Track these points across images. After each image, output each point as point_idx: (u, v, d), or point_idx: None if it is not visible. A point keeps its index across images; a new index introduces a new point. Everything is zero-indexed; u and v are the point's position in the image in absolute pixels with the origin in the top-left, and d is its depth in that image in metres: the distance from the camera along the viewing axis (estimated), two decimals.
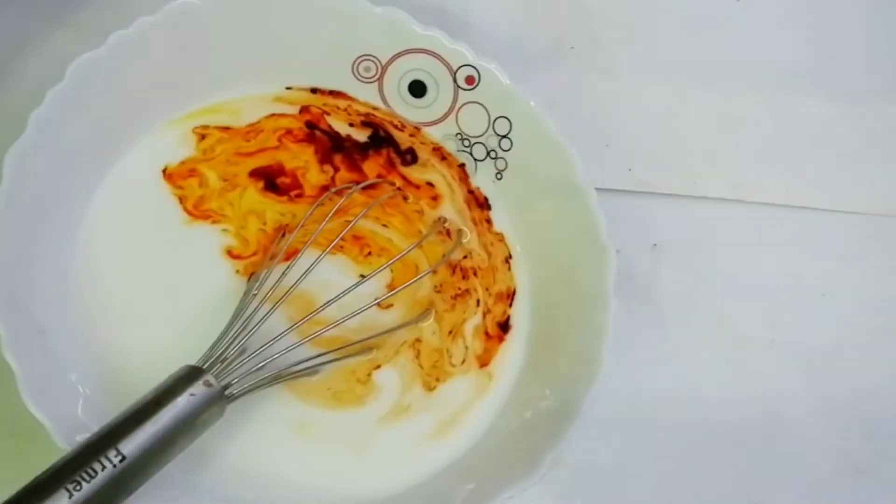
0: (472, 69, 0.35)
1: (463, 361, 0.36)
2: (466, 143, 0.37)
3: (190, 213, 0.35)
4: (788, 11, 0.45)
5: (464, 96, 0.36)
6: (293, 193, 0.36)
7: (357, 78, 0.37)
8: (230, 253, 0.35)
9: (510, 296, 0.37)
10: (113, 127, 0.34)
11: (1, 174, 0.31)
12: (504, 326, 0.37)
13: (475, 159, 0.37)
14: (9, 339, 0.29)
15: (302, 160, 0.37)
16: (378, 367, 0.35)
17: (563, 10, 0.43)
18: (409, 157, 0.38)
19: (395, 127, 0.37)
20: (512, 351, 0.36)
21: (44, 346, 0.31)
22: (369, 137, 0.37)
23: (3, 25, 0.38)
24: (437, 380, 0.35)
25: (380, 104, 0.37)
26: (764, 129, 0.43)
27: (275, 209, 0.36)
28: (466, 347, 0.36)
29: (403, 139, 0.37)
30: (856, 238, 0.42)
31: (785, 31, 0.45)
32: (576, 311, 0.35)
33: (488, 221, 0.38)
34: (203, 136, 0.36)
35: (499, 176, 0.37)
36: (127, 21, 0.33)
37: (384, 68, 0.36)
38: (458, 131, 0.37)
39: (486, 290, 0.37)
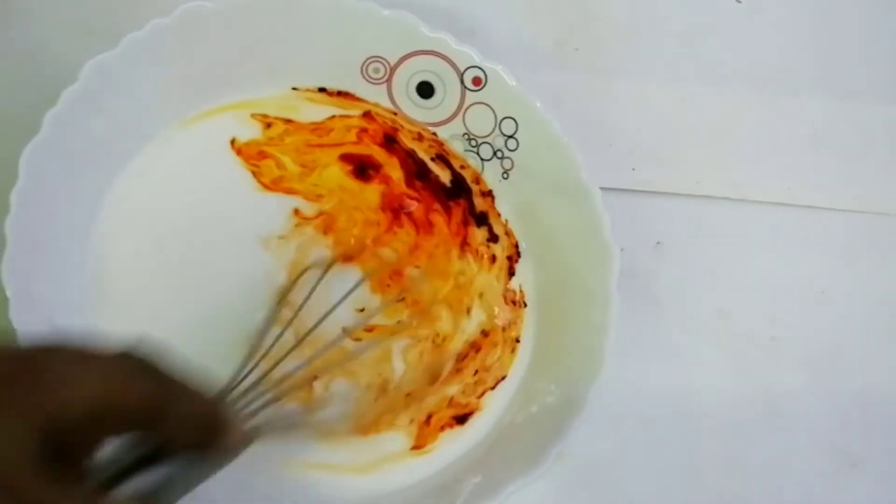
0: (479, 70, 0.36)
1: (410, 422, 0.35)
2: (473, 143, 0.38)
3: (267, 187, 0.36)
4: (789, 13, 0.45)
5: (471, 97, 0.37)
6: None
7: (366, 79, 0.37)
8: (298, 213, 0.36)
9: (494, 385, 0.36)
10: (126, 125, 0.35)
11: (17, 172, 0.31)
12: (461, 419, 0.35)
13: (482, 159, 0.38)
14: (24, 336, 0.30)
15: (396, 175, 0.37)
16: (316, 377, 0.34)
17: (568, 12, 0.43)
18: (481, 219, 0.38)
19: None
20: (458, 440, 0.35)
21: None
22: (451, 182, 0.38)
23: (20, 28, 0.38)
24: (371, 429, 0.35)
25: (389, 105, 0.38)
26: (765, 129, 0.43)
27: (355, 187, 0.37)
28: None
29: (478, 199, 0.38)
30: (855, 237, 0.42)
31: (786, 33, 0.45)
32: (580, 307, 0.35)
33: (513, 299, 0.37)
34: (268, 125, 0.37)
35: (505, 175, 0.38)
36: (140, 23, 0.33)
37: (393, 69, 0.37)
38: (465, 131, 0.37)
39: (475, 372, 0.36)
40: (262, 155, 0.37)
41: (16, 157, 0.31)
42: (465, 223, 0.37)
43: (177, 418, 0.22)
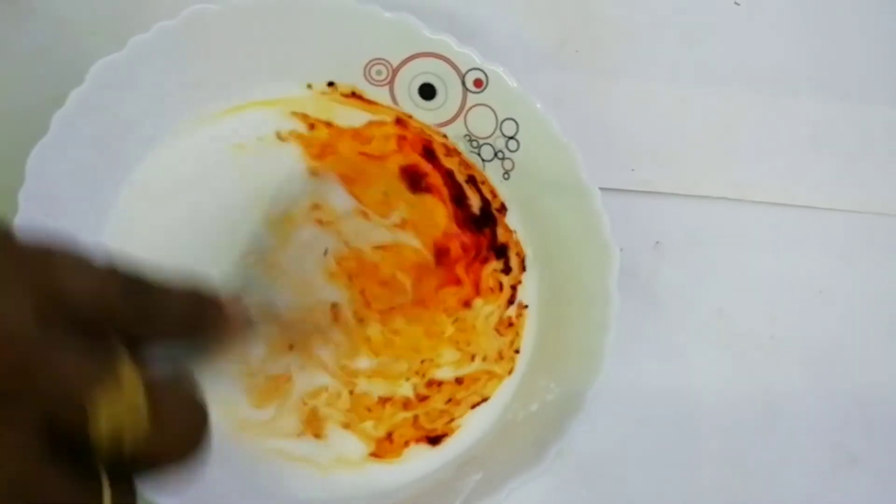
0: (480, 72, 0.36)
1: (344, 426, 0.34)
2: (475, 144, 0.38)
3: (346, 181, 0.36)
4: (788, 14, 0.45)
5: (472, 99, 0.37)
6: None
7: (369, 81, 0.37)
8: (363, 213, 0.36)
9: (473, 406, 0.36)
10: (133, 126, 0.35)
11: (23, 175, 0.31)
12: (434, 440, 0.35)
13: (483, 160, 0.38)
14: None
15: (445, 195, 0.37)
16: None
17: (568, 13, 0.43)
18: (500, 252, 0.37)
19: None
20: (430, 456, 0.34)
21: None
22: (479, 209, 0.38)
23: (27, 29, 0.39)
24: (322, 431, 0.34)
25: (392, 106, 0.38)
26: (764, 129, 0.43)
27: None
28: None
29: (500, 229, 0.37)
30: (855, 237, 0.42)
31: (785, 33, 0.45)
32: (580, 307, 0.35)
33: (510, 322, 0.37)
34: (312, 126, 0.37)
35: (506, 176, 0.38)
36: (147, 24, 0.34)
37: (395, 72, 0.37)
38: (466, 133, 0.38)
39: (447, 401, 0.36)
40: (328, 150, 0.37)
41: (24, 158, 0.31)
42: (485, 260, 0.37)
43: (163, 306, 0.23)
